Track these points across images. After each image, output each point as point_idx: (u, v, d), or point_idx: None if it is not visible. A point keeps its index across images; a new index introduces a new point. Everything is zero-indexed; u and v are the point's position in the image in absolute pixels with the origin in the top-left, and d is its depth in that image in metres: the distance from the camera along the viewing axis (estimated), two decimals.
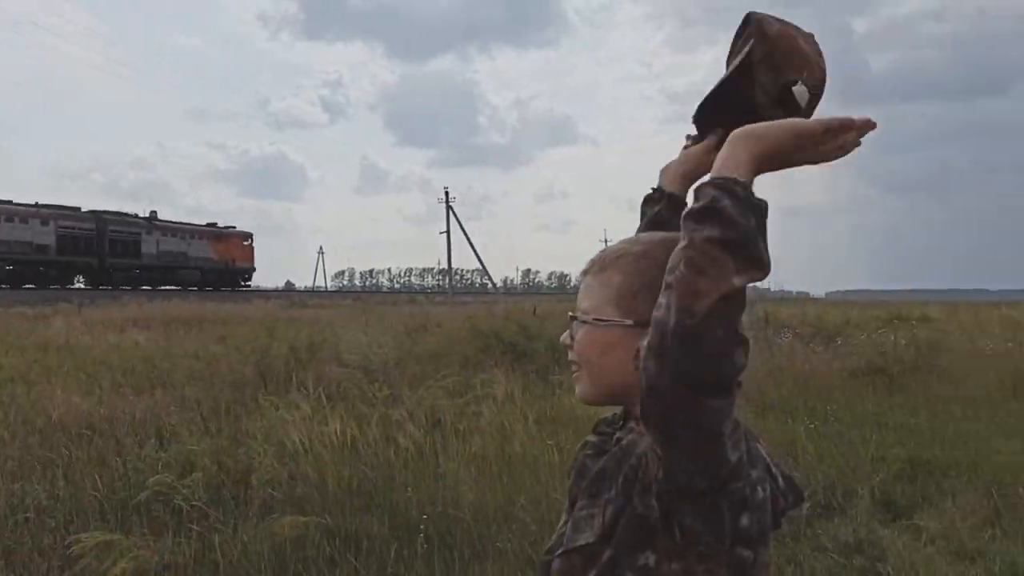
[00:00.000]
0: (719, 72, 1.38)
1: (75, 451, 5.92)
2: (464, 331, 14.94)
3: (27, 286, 38.28)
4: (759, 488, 1.13)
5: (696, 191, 1.04)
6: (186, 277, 49.31)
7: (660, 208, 1.51)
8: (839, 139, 1.13)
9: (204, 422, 7.04)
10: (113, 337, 15.32)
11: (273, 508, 4.81)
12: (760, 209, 1.02)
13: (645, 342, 1.00)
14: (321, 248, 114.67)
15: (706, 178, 1.05)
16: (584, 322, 1.28)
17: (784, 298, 76.12)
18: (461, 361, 11.83)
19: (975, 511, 5.31)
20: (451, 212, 66.18)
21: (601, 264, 1.29)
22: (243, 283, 55.30)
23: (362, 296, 54.88)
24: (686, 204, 1.48)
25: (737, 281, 0.96)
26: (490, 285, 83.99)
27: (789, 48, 1.28)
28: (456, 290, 79.63)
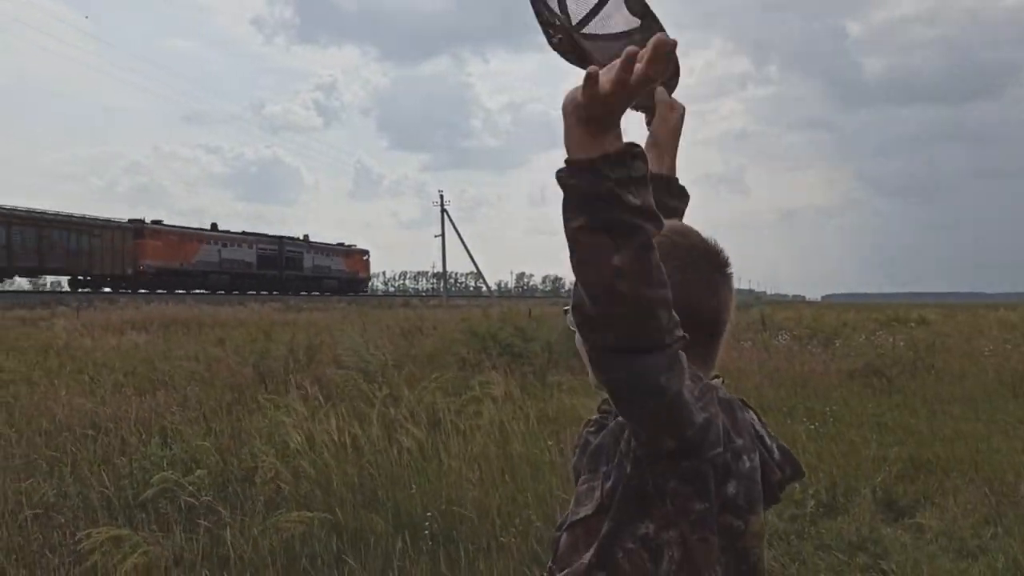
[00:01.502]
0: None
1: (80, 450, 5.93)
2: (460, 333, 14.94)
3: (234, 292, 51.70)
4: (744, 457, 1.16)
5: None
6: (328, 285, 64.10)
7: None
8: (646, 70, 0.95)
9: (206, 422, 7.04)
10: (113, 339, 15.29)
11: (279, 505, 4.83)
12: (617, 166, 0.97)
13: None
14: None
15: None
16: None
17: (780, 301, 76.30)
18: (458, 363, 11.85)
19: (976, 509, 5.34)
20: (446, 215, 66.19)
21: None
22: (362, 290, 70.17)
23: (357, 299, 55.03)
24: (678, 180, 1.57)
25: (618, 260, 0.96)
26: (484, 288, 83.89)
27: None
28: (450, 293, 79.58)
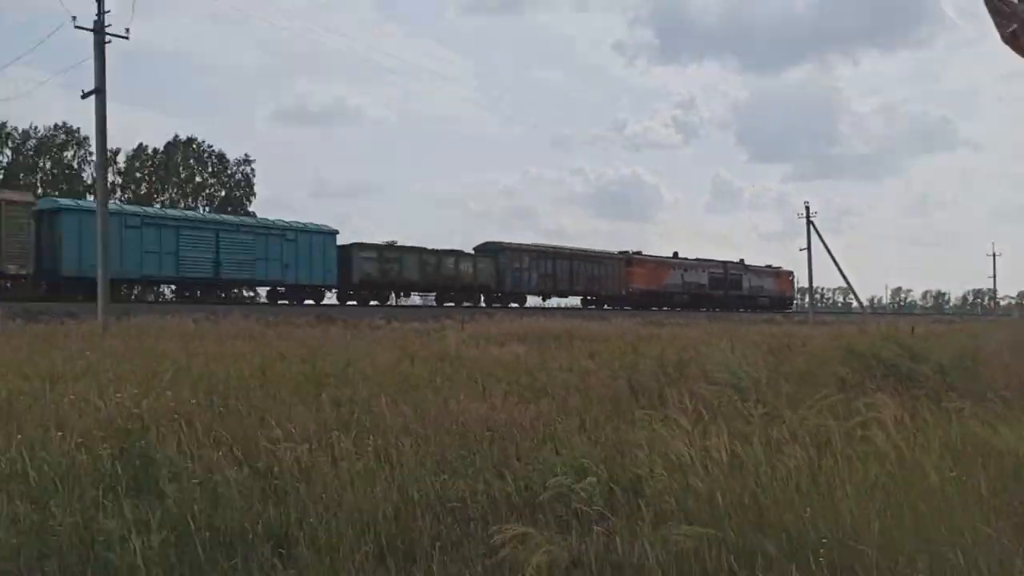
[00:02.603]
0: None
1: (481, 451, 6.48)
2: (834, 351, 14.11)
3: (690, 309, 60.71)
4: None
5: None
6: (760, 303, 71.60)
7: None
8: None
9: (587, 431, 7.32)
10: (495, 350, 16.58)
11: (666, 517, 4.84)
12: None
13: None
14: None
15: None
16: None
17: None
18: (837, 383, 11.14)
19: None
20: (812, 227, 62.94)
21: None
22: (788, 309, 75.26)
23: (716, 315, 54.56)
24: None
25: None
26: (855, 304, 78.55)
27: None
28: (816, 309, 75.77)
